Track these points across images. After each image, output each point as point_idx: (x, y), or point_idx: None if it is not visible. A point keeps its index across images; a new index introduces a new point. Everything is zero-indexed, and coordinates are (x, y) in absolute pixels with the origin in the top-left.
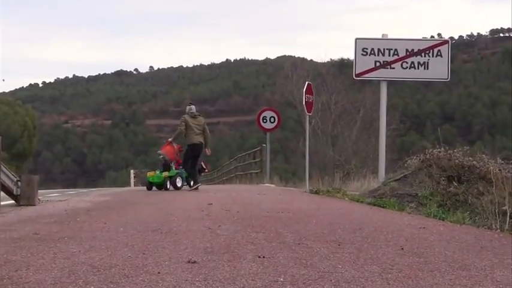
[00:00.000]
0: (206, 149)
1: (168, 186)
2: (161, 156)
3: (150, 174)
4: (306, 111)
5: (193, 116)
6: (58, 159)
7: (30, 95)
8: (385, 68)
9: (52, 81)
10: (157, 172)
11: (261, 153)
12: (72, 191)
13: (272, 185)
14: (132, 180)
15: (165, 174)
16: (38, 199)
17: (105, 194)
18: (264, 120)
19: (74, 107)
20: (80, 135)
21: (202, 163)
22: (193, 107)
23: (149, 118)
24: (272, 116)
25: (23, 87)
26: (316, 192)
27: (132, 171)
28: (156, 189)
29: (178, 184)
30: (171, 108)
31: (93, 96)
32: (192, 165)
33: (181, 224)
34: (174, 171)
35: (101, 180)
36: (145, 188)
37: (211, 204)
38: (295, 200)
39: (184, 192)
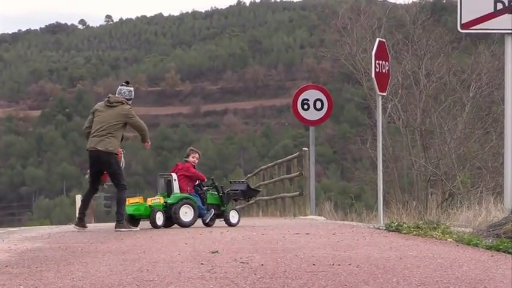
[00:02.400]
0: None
1: (160, 222)
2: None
3: (131, 201)
4: (377, 88)
5: (109, 104)
6: None
7: None
8: None
9: None
10: (157, 197)
11: (300, 163)
12: None
13: (321, 218)
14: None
15: (150, 200)
16: None
17: (34, 238)
18: (305, 106)
19: None
20: None
21: (246, 183)
22: (124, 89)
23: None
24: (318, 99)
25: None
26: (397, 229)
27: (79, 198)
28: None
29: (186, 218)
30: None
31: (9, 70)
32: (94, 187)
33: None
34: (177, 195)
35: (25, 213)
36: (100, 225)
37: (217, 252)
38: (361, 244)
39: (169, 231)
